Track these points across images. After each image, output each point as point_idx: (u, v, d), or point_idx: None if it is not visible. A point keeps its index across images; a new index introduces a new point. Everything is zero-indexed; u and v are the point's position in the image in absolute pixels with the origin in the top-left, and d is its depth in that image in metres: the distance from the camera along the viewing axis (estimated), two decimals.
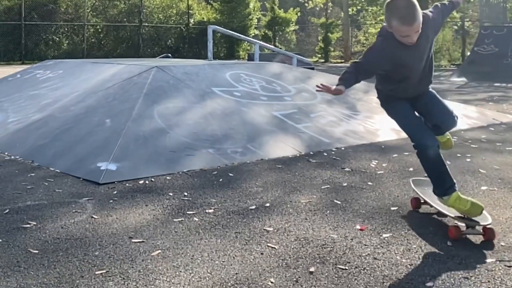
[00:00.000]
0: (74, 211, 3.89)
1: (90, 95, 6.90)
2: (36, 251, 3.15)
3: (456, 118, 3.67)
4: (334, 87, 3.30)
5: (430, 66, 3.50)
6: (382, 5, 30.40)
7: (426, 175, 3.70)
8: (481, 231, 3.37)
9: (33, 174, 4.86)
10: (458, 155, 5.80)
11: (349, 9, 32.86)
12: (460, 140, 6.64)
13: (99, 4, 29.06)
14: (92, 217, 3.77)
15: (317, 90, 3.33)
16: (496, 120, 8.26)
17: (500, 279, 2.82)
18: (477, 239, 3.38)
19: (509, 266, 2.96)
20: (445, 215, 3.63)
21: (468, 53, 22.38)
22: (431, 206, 3.75)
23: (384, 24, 3.34)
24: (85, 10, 27.27)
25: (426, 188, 3.93)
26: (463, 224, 3.43)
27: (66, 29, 27.27)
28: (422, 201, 3.89)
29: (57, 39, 26.69)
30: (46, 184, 4.56)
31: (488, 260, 3.05)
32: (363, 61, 3.41)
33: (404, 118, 3.59)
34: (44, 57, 21.95)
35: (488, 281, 2.79)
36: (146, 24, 29.25)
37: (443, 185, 3.49)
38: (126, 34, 29.09)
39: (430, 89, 3.66)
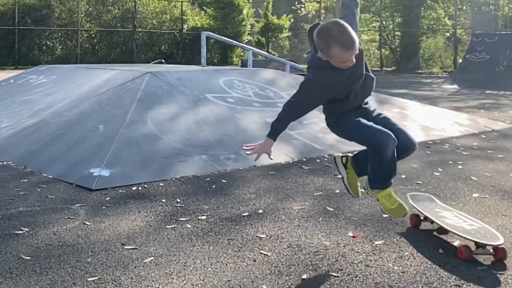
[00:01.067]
0: (66, 217, 3.88)
1: (84, 101, 6.90)
2: (28, 258, 3.15)
3: (415, 140, 3.41)
4: (260, 145, 3.13)
5: (366, 64, 3.27)
6: (375, 12, 30.57)
7: (424, 190, 3.65)
8: (492, 251, 3.19)
9: (25, 180, 4.85)
10: (450, 162, 5.83)
11: None
12: (452, 147, 6.68)
13: (92, 9, 29.05)
14: (85, 223, 3.76)
15: (247, 154, 3.21)
16: (487, 128, 8.30)
17: (490, 286, 2.84)
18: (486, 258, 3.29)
19: (500, 274, 2.98)
20: (447, 232, 3.49)
21: (460, 61, 22.49)
22: (432, 222, 3.60)
23: (313, 54, 3.12)
24: (79, 16, 27.24)
25: (426, 204, 3.82)
26: (473, 243, 3.23)
27: (59, 34, 27.24)
28: (422, 217, 3.73)
29: (51, 44, 26.65)
30: (39, 190, 4.56)
31: (479, 268, 3.07)
32: (301, 99, 3.15)
33: (360, 123, 3.28)
34: (38, 62, 21.89)
35: None
36: (140, 29, 29.24)
37: (387, 181, 3.35)
38: (120, 39, 29.07)
39: (384, 113, 3.46)
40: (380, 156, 3.23)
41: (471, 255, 3.18)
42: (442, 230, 3.54)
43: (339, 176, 3.69)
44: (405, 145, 3.31)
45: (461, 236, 3.27)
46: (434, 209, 3.74)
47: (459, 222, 3.47)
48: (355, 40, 3.00)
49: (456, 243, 3.35)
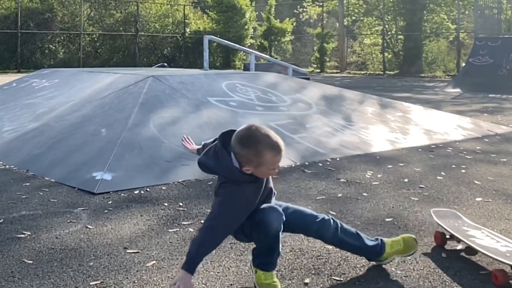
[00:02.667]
0: (68, 221, 3.88)
1: (86, 105, 6.91)
2: (31, 262, 3.14)
3: (311, 213, 2.98)
4: (181, 283, 2.50)
5: None
6: (378, 16, 30.59)
7: (449, 211, 3.45)
8: None
9: (28, 184, 4.85)
10: (453, 166, 5.82)
11: (345, 20, 32.99)
12: (455, 151, 6.67)
13: (95, 13, 29.13)
14: (87, 227, 3.76)
15: None
16: (490, 131, 8.29)
17: None
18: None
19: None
20: (476, 253, 3.19)
21: (463, 64, 22.48)
22: (459, 241, 3.30)
23: (228, 166, 2.68)
24: (81, 19, 27.32)
25: (451, 221, 3.52)
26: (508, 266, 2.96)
27: (62, 37, 27.32)
28: (448, 236, 3.43)
29: (53, 47, 26.72)
30: (41, 193, 4.55)
31: (482, 272, 3.05)
32: (224, 222, 2.65)
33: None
34: (40, 66, 21.96)
35: None
36: (142, 33, 29.31)
37: (270, 261, 2.82)
38: (122, 43, 29.14)
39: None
40: (266, 232, 2.73)
41: (507, 280, 2.91)
42: (471, 251, 3.23)
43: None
44: (303, 226, 2.95)
45: (496, 259, 2.97)
46: (461, 227, 3.44)
47: (492, 243, 3.17)
48: (280, 140, 2.66)
49: (470, 255, 3.17)
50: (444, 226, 3.42)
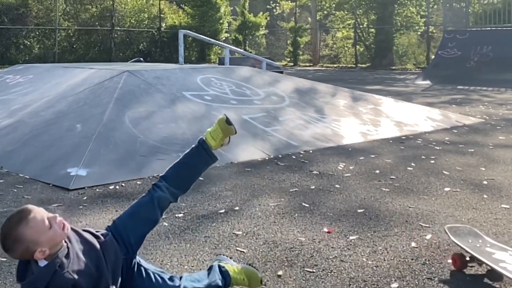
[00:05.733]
0: None
1: (61, 100, 6.88)
2: (4, 259, 3.15)
3: (147, 200, 2.67)
4: None
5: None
6: (349, 10, 30.77)
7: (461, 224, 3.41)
8: None
9: (1, 181, 4.83)
10: (423, 157, 5.94)
11: (317, 14, 33.12)
12: (425, 142, 6.79)
13: (70, 8, 28.76)
14: None
15: None
16: (459, 122, 8.45)
17: (462, 279, 2.93)
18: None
19: (471, 267, 3.05)
20: (502, 278, 2.86)
21: (433, 57, 22.75)
22: (481, 263, 2.93)
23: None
24: (56, 14, 26.95)
25: (471, 240, 3.09)
26: None
27: (37, 33, 26.91)
28: (468, 257, 3.00)
29: (28, 43, 26.32)
30: (15, 190, 4.55)
31: (450, 261, 3.14)
32: None
33: None
34: (15, 62, 21.62)
35: (451, 282, 2.89)
36: (118, 28, 29.03)
37: None
38: (98, 38, 28.82)
39: None
40: None
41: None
42: (497, 276, 2.87)
43: None
44: (148, 217, 2.67)
45: None
46: (484, 248, 3.02)
47: None
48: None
49: (494, 281, 2.87)
50: (464, 248, 3.00)
